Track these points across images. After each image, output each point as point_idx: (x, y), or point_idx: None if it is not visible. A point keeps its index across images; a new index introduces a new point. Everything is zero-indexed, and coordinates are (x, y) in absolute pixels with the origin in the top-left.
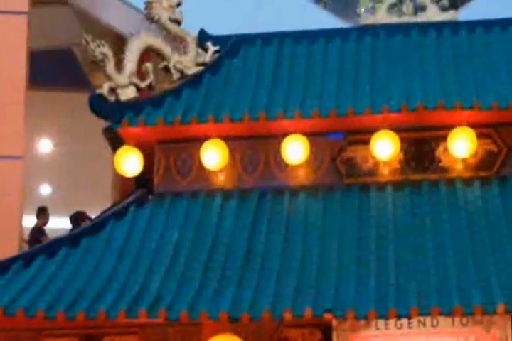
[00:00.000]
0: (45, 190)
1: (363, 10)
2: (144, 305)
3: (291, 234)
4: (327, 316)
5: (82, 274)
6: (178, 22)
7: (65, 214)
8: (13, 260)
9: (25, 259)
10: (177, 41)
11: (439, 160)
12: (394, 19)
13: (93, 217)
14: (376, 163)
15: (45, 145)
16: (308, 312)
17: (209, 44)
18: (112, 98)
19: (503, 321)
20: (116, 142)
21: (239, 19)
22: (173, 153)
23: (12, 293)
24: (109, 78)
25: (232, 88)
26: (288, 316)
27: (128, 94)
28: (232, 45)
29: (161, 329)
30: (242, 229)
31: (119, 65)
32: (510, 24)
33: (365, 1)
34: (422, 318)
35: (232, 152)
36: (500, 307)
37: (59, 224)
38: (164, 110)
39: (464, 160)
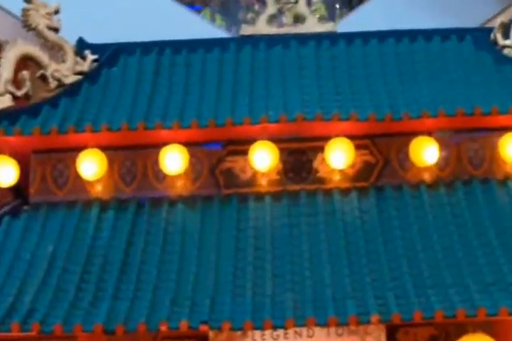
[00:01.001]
0: None
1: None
2: (17, 318)
3: (169, 245)
4: (203, 328)
5: None
6: (55, 30)
7: None
8: None
9: None
10: (55, 49)
11: (317, 171)
12: (273, 30)
13: None
14: (255, 174)
15: None
16: (184, 324)
17: (87, 52)
18: None
19: (378, 331)
20: None
21: (119, 28)
22: (49, 163)
23: None
24: None
25: (110, 97)
26: (164, 328)
27: (3, 102)
28: (111, 54)
29: None
30: (118, 241)
31: None
32: (388, 36)
33: (247, 12)
34: (298, 329)
35: (110, 162)
36: (375, 318)
37: None
38: (41, 119)
39: (341, 171)
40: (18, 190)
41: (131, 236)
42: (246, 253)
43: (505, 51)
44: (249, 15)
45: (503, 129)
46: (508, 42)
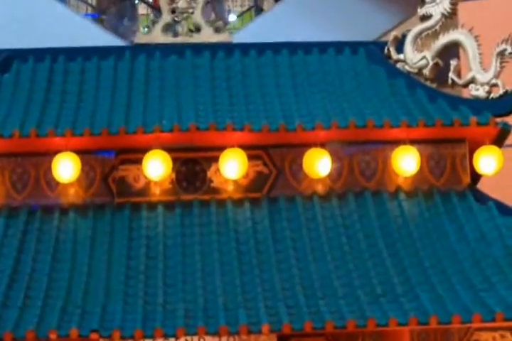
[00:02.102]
0: None
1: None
2: None
3: (60, 253)
4: (94, 336)
5: None
6: None
7: None
8: None
9: None
10: None
11: (211, 181)
12: (169, 39)
13: None
14: (148, 183)
15: None
16: (74, 332)
17: None
18: None
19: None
20: None
21: (11, 32)
22: None
23: None
24: None
25: (3, 104)
26: (53, 336)
27: None
28: (3, 60)
29: None
30: (8, 248)
31: None
32: (282, 48)
33: (143, 20)
34: (189, 338)
35: (0, 169)
36: (265, 327)
37: None
38: None
39: (234, 181)
40: None
41: (22, 243)
42: (138, 262)
43: (398, 65)
44: (147, 24)
45: (395, 142)
46: (401, 56)
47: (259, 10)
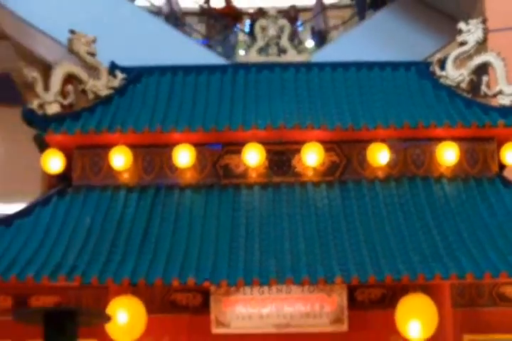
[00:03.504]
0: None
1: (240, 51)
2: (63, 272)
3: (179, 222)
4: (206, 284)
5: (15, 247)
6: (93, 54)
7: (2, 202)
8: None
9: None
10: (92, 69)
11: (295, 167)
12: (262, 59)
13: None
14: (246, 168)
15: None
16: (191, 281)
17: (118, 72)
18: (40, 112)
19: (341, 289)
20: (43, 146)
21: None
22: (88, 156)
23: None
24: (38, 96)
25: (135, 107)
26: (175, 283)
27: (53, 109)
28: (136, 74)
29: (76, 291)
30: (140, 217)
31: (46, 87)
32: (351, 66)
33: (242, 45)
34: (279, 286)
35: (134, 156)
36: (338, 279)
37: None
38: (81, 122)
39: (313, 168)
40: (64, 177)
41: (150, 214)
42: (239, 229)
43: (441, 80)
44: (245, 47)
45: (439, 139)
46: (443, 73)
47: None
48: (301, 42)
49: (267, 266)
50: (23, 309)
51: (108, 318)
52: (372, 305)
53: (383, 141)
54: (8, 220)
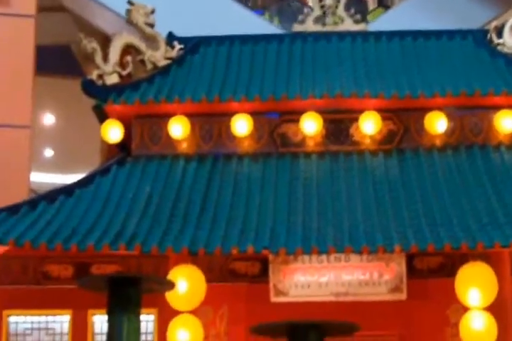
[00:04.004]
0: (48, 153)
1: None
2: (124, 240)
3: (237, 190)
4: (265, 252)
5: (75, 216)
6: (151, 25)
7: (62, 173)
8: (21, 205)
9: (31, 204)
10: (150, 40)
11: (353, 136)
12: (319, 28)
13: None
14: (304, 137)
15: (49, 119)
16: (250, 249)
17: (175, 43)
18: (99, 82)
19: (399, 258)
20: (102, 116)
21: (202, 24)
22: (146, 126)
23: (21, 229)
24: (97, 67)
25: (193, 77)
26: (234, 252)
27: (112, 79)
28: (193, 45)
29: (136, 260)
30: (199, 185)
31: (105, 58)
32: (407, 35)
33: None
34: (337, 255)
35: (192, 126)
36: (397, 248)
37: (59, 179)
38: (140, 92)
39: (371, 136)
40: (123, 146)
41: (209, 182)
42: (297, 197)
43: (499, 48)
44: (300, 17)
45: (497, 107)
46: (500, 41)
47: (386, 7)
48: (361, 10)
49: (325, 234)
50: (88, 276)
51: (172, 285)
52: (431, 273)
53: (440, 109)
54: (68, 190)
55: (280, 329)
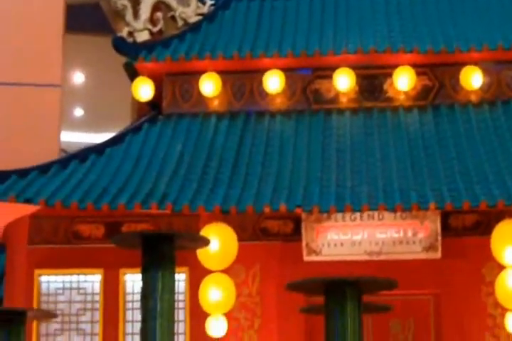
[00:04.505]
0: (78, 112)
1: None
2: (155, 199)
3: (270, 148)
4: (297, 210)
5: (106, 175)
6: None
7: (93, 132)
8: (52, 163)
9: (62, 163)
10: None
11: (386, 92)
12: None
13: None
14: (337, 93)
15: (79, 78)
16: (283, 207)
17: None
18: (130, 40)
19: (434, 216)
20: (133, 74)
21: None
22: (178, 83)
23: (52, 188)
24: (128, 24)
25: (224, 33)
26: (267, 210)
27: (143, 36)
28: (224, 0)
29: (167, 219)
30: (231, 143)
31: (136, 14)
32: None
33: None
34: (371, 213)
35: (224, 83)
36: (432, 205)
37: (89, 138)
38: (171, 49)
39: (405, 92)
40: (154, 104)
41: (241, 140)
42: (330, 154)
43: None
44: None
45: None
46: None
47: None
48: None
49: (359, 192)
50: (122, 233)
51: (207, 242)
52: (466, 231)
53: (476, 63)
54: (99, 149)
55: (316, 285)
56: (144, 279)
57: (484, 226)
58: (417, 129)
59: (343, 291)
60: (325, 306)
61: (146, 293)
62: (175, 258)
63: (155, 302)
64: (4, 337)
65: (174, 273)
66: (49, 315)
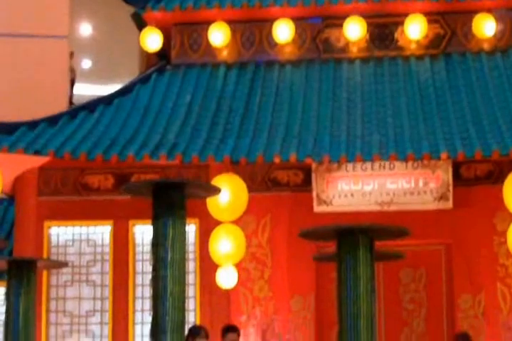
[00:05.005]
0: (86, 64)
1: None
2: (164, 150)
3: (280, 97)
4: (308, 160)
5: (115, 126)
6: None
7: (101, 83)
8: (61, 115)
9: (70, 114)
10: None
11: (398, 41)
12: None
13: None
14: (347, 42)
15: (86, 29)
16: (293, 157)
17: None
18: None
19: (446, 165)
20: (141, 24)
21: None
22: (186, 33)
23: (61, 140)
24: None
25: None
26: (277, 160)
27: None
28: None
29: (177, 170)
30: (240, 93)
31: None
32: None
33: None
34: (382, 163)
35: (233, 32)
36: (444, 155)
37: (98, 90)
38: None
39: (417, 41)
40: (163, 54)
41: (250, 90)
42: (340, 104)
43: None
44: None
45: None
46: None
47: None
48: None
49: (370, 141)
50: (133, 182)
51: (218, 190)
52: (478, 181)
53: (489, 11)
54: (108, 99)
55: (329, 233)
56: (154, 228)
57: (496, 176)
58: (429, 78)
59: (355, 238)
60: (337, 254)
61: (157, 242)
62: (186, 206)
63: (166, 251)
64: (16, 287)
65: (185, 223)
66: (60, 265)
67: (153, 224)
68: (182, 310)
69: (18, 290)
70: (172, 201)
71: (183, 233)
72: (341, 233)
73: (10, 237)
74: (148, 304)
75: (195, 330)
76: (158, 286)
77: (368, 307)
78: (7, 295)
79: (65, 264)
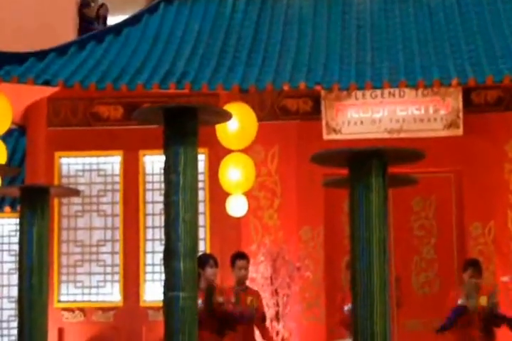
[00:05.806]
0: None
1: None
2: (174, 79)
3: (289, 25)
4: (317, 88)
5: (124, 56)
6: None
7: (110, 13)
8: (70, 45)
9: (79, 45)
10: None
11: None
12: None
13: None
14: None
15: None
16: (302, 85)
17: None
18: None
19: (456, 92)
20: None
21: None
22: None
23: (70, 69)
24: None
25: None
26: (286, 87)
27: None
28: None
29: (186, 99)
30: (249, 21)
31: None
32: None
33: None
34: (392, 90)
35: None
36: (454, 81)
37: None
38: None
39: None
40: None
41: (259, 18)
42: (350, 31)
43: None
44: None
45: None
46: None
47: None
48: None
49: (379, 68)
50: (143, 108)
51: (229, 116)
52: (489, 107)
53: None
54: (116, 29)
55: (341, 156)
56: (166, 154)
57: (507, 102)
58: (439, 3)
59: (368, 162)
60: (350, 178)
61: (169, 168)
62: (198, 132)
63: (178, 177)
64: (29, 215)
65: (197, 149)
66: (72, 192)
67: (165, 152)
68: (194, 235)
69: (31, 218)
70: (184, 127)
71: (195, 160)
72: (354, 156)
73: (22, 166)
74: (158, 233)
75: (203, 259)
76: (171, 212)
77: (380, 232)
78: (21, 222)
79: (77, 192)
